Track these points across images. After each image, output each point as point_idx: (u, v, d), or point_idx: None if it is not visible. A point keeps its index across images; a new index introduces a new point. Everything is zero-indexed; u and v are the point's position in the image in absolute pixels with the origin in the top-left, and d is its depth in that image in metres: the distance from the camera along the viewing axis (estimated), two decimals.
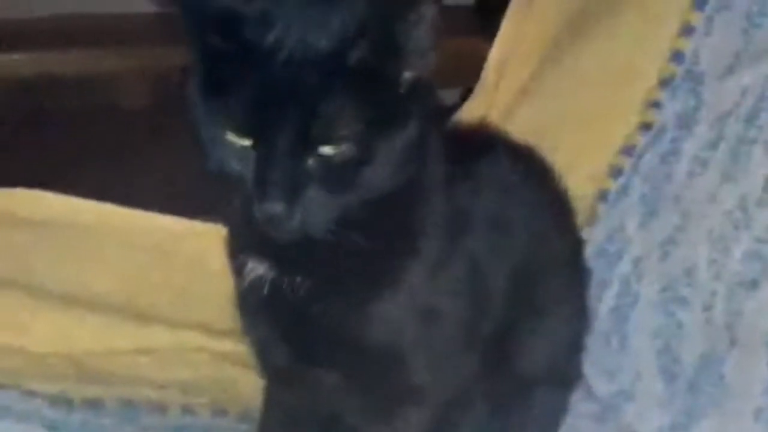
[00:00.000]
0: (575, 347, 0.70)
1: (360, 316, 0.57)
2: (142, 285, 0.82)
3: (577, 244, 0.71)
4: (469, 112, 0.91)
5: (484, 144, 0.67)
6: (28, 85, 0.91)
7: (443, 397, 0.61)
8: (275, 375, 0.64)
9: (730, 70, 0.73)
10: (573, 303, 0.69)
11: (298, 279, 0.57)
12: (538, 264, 0.64)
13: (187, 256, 0.83)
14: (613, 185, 0.78)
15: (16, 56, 0.91)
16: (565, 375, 0.69)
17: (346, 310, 0.57)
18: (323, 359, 0.59)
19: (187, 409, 0.74)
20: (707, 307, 0.71)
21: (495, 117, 0.89)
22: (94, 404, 0.72)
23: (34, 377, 0.73)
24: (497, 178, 0.63)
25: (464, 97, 0.93)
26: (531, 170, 0.67)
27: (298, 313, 0.58)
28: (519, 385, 0.65)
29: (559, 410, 0.69)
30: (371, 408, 0.60)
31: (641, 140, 0.77)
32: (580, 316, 0.70)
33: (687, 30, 0.76)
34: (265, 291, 0.57)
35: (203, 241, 0.82)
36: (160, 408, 0.74)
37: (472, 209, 0.61)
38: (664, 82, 0.76)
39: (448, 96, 0.99)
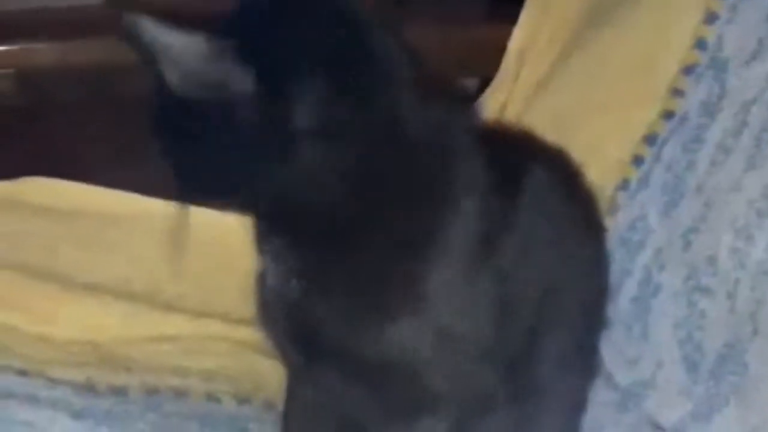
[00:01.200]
0: (592, 347, 0.69)
1: (373, 330, 0.56)
2: (164, 274, 0.82)
3: (603, 258, 0.70)
4: (490, 101, 0.91)
5: (522, 152, 0.65)
6: (46, 75, 0.91)
7: (463, 405, 0.60)
8: (292, 370, 0.65)
9: (754, 57, 0.72)
10: (596, 309, 0.68)
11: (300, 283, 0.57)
12: (565, 280, 0.63)
13: (209, 245, 0.83)
14: (635, 174, 0.77)
15: (33, 45, 0.92)
16: (582, 372, 0.68)
17: (358, 322, 0.57)
18: (332, 367, 0.59)
19: (211, 397, 0.75)
20: (730, 296, 0.70)
21: (515, 106, 0.89)
22: (118, 391, 0.73)
23: (60, 365, 0.74)
24: (535, 195, 0.61)
25: (483, 87, 0.92)
26: (567, 185, 0.66)
27: (308, 319, 0.57)
28: (537, 389, 0.64)
29: (577, 408, 0.69)
30: (387, 416, 0.60)
31: (664, 128, 0.77)
32: (599, 320, 0.69)
33: (710, 17, 0.75)
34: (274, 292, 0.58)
35: (224, 230, 0.82)
36: (184, 395, 0.74)
37: (506, 227, 0.59)
38: (688, 70, 0.76)
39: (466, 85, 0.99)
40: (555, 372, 0.64)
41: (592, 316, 0.68)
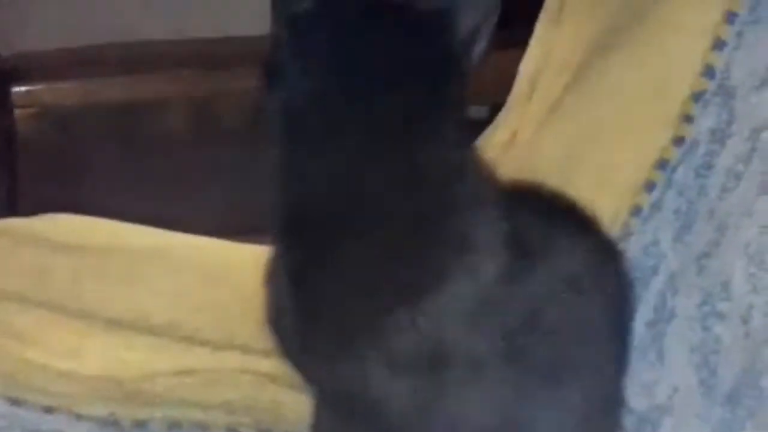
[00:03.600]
0: (607, 410, 0.67)
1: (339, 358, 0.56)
2: (186, 307, 0.84)
3: (625, 337, 0.68)
4: (501, 127, 0.92)
5: (562, 225, 0.63)
6: (73, 113, 0.93)
7: None
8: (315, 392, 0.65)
9: (763, 83, 0.72)
10: (612, 380, 0.67)
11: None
12: (570, 361, 0.61)
13: (227, 277, 0.84)
14: (647, 199, 0.78)
15: (59, 85, 0.94)
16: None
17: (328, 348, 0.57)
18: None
19: (231, 429, 0.76)
20: (745, 321, 0.70)
21: (527, 131, 0.90)
22: (141, 426, 0.74)
23: (84, 401, 0.75)
24: (554, 279, 0.60)
25: (493, 113, 0.93)
26: (601, 270, 0.64)
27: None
28: None
29: None
30: None
31: (675, 154, 0.77)
32: (615, 388, 0.68)
33: (718, 44, 0.75)
34: None
35: (244, 262, 0.84)
36: (206, 429, 0.75)
37: (502, 302, 0.57)
38: (696, 97, 0.76)
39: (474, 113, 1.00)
40: None
41: (605, 386, 0.66)
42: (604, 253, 0.68)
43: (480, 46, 0.59)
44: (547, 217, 0.63)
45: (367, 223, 0.55)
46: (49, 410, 0.74)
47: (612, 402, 0.68)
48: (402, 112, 0.56)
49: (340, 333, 0.56)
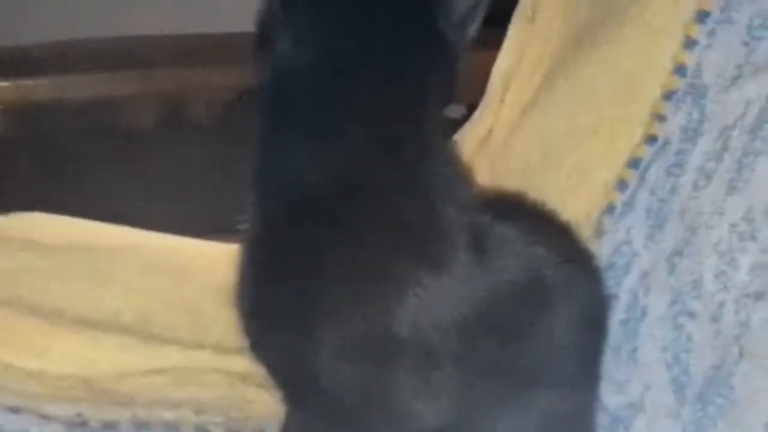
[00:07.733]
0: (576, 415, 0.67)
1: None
2: (156, 306, 0.83)
3: (599, 350, 0.68)
4: (476, 127, 0.92)
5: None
6: (38, 109, 0.92)
7: None
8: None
9: (733, 82, 0.73)
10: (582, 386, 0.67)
11: None
12: (531, 371, 0.61)
13: (198, 275, 0.84)
14: (620, 198, 0.78)
15: (25, 81, 0.93)
16: None
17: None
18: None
19: (201, 429, 0.75)
20: (715, 319, 0.71)
21: (501, 131, 0.90)
22: (109, 426, 0.74)
23: (52, 401, 0.74)
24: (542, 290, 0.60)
25: (470, 112, 0.93)
26: (576, 291, 0.65)
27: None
28: None
29: None
30: None
31: (647, 153, 0.77)
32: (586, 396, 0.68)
33: (689, 43, 0.76)
34: None
35: (213, 260, 0.83)
36: (174, 428, 0.75)
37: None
38: (668, 95, 0.76)
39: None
40: None
41: (575, 393, 0.67)
42: (577, 260, 0.68)
43: (471, 29, 0.58)
44: (519, 221, 0.63)
45: (336, 210, 0.55)
46: (14, 410, 0.73)
47: (584, 409, 0.68)
48: (389, 93, 0.55)
49: (295, 319, 0.56)
